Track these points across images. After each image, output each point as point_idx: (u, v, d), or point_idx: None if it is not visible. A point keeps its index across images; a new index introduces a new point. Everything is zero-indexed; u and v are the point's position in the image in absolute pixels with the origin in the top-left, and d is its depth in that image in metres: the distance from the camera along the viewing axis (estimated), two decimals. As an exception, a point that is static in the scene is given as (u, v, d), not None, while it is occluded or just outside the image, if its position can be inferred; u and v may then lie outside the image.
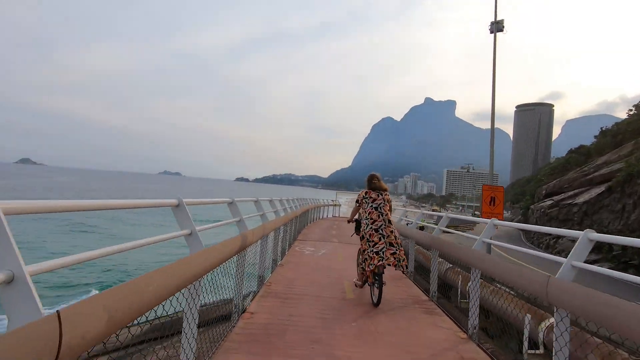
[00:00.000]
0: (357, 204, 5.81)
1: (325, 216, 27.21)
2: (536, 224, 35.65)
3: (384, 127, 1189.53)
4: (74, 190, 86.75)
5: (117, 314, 1.68)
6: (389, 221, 5.53)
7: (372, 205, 5.56)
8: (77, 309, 1.46)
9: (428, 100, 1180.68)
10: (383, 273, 5.29)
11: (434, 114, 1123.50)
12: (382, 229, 5.42)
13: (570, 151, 64.39)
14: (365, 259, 5.40)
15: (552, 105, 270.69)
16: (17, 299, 1.31)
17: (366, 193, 5.69)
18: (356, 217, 6.03)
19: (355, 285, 6.09)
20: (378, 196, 5.62)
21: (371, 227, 5.43)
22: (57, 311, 1.35)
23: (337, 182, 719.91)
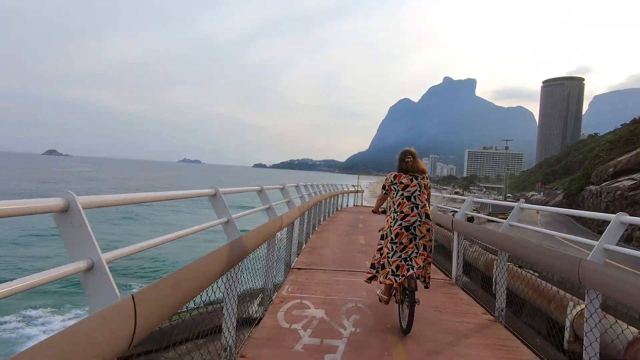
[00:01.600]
0: (384, 191, 4.33)
1: (345, 205, 22.89)
2: (606, 209, 29.68)
3: (402, 108, 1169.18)
4: (103, 180, 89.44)
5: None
6: (427, 215, 4.06)
7: (402, 194, 4.07)
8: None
9: (447, 80, 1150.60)
10: (416, 289, 3.80)
11: (453, 93, 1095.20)
12: (415, 228, 4.00)
13: (635, 121, 56.59)
14: (383, 265, 4.08)
15: (583, 79, 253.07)
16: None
17: (395, 177, 4.16)
18: (383, 206, 4.89)
19: (380, 300, 4.46)
20: (411, 181, 4.09)
21: (400, 224, 4.00)
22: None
23: (355, 165, 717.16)
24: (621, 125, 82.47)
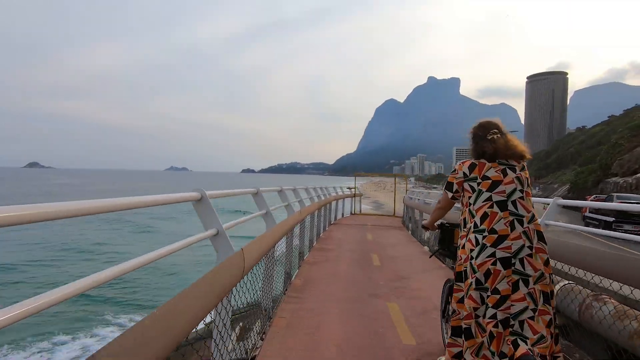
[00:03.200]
0: (450, 193, 2.49)
1: (340, 216, 16.93)
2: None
3: (388, 109, 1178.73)
4: (88, 192, 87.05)
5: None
6: (540, 236, 2.25)
7: (490, 198, 2.29)
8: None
9: (431, 80, 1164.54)
10: None
11: (438, 93, 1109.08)
12: (522, 261, 2.18)
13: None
14: (469, 331, 2.24)
15: (566, 74, 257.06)
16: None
17: (472, 168, 2.39)
18: (440, 220, 2.92)
19: None
20: (505, 174, 2.32)
21: (492, 254, 2.18)
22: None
23: (344, 168, 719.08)
24: (609, 116, 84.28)
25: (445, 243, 3.04)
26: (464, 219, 2.42)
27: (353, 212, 19.94)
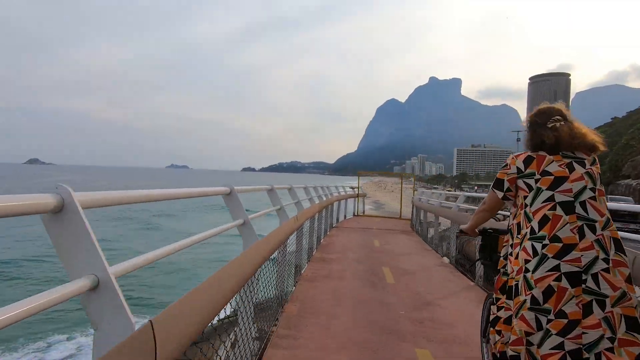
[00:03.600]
0: (501, 192, 2.07)
1: (343, 217, 15.93)
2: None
3: (389, 109, 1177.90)
4: (92, 188, 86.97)
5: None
6: (618, 245, 1.80)
7: (552, 198, 1.85)
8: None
9: (433, 80, 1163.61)
10: None
11: (440, 93, 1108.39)
12: (596, 277, 1.72)
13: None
14: (511, 356, 1.81)
15: (569, 75, 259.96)
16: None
17: (528, 161, 1.97)
18: (483, 224, 2.44)
19: None
20: (570, 169, 1.89)
21: (555, 267, 1.74)
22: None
23: (344, 167, 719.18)
24: (612, 118, 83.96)
25: (487, 252, 2.61)
26: (518, 223, 1.96)
27: (356, 214, 18.66)
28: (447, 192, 20.34)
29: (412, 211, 15.05)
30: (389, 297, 5.11)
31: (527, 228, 1.88)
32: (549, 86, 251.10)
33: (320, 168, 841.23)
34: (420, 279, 6.33)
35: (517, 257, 1.90)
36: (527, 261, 1.81)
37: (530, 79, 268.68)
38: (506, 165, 2.06)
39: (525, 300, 1.78)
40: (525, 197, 1.94)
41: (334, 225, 13.09)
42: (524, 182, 1.95)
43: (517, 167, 1.99)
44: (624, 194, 26.89)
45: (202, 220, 33.55)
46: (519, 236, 1.94)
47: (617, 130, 64.35)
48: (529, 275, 1.78)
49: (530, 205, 1.90)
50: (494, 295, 2.10)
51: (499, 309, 2.01)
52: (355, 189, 18.74)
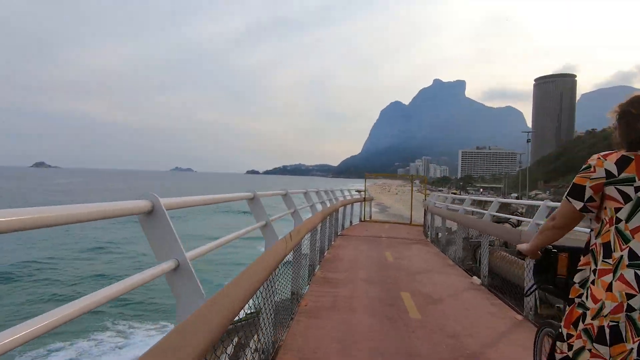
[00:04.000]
0: (580, 202, 1.59)
1: (348, 224, 14.94)
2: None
3: (393, 111, 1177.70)
4: (96, 191, 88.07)
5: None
6: None
7: None
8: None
9: (437, 82, 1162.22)
10: None
11: (444, 95, 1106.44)
12: None
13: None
14: None
15: (575, 76, 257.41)
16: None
17: (622, 163, 1.51)
18: (550, 242, 1.88)
19: None
20: None
21: None
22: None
23: (348, 169, 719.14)
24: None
25: (547, 274, 2.06)
26: (604, 243, 1.53)
27: (363, 219, 17.66)
28: (471, 196, 17.66)
29: (425, 217, 14.01)
30: (417, 344, 3.78)
31: (622, 250, 1.46)
32: (554, 87, 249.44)
33: (324, 170, 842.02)
34: (453, 311, 4.93)
35: (609, 289, 1.46)
36: (630, 296, 1.40)
37: (535, 80, 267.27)
38: (588, 167, 1.58)
39: (632, 349, 1.37)
40: (618, 210, 1.50)
41: (339, 234, 11.99)
42: (618, 189, 1.50)
43: (607, 170, 1.53)
44: None
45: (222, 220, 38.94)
46: (610, 261, 1.49)
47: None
48: (636, 315, 1.38)
49: (628, 221, 1.47)
50: (564, 331, 1.60)
51: (570, 347, 1.54)
52: (362, 193, 18.27)
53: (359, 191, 18.02)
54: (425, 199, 15.17)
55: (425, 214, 13.99)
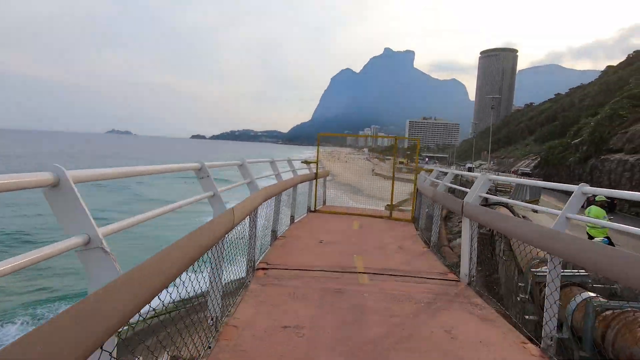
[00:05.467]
0: None
1: (289, 221, 8.48)
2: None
3: (344, 79, 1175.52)
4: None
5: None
6: None
7: None
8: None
9: (387, 51, 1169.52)
10: None
11: (393, 65, 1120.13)
12: None
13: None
14: None
15: (517, 51, 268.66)
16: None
17: None
18: None
19: None
20: None
21: None
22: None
23: (298, 137, 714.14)
24: (555, 94, 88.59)
25: None
26: None
27: (314, 208, 10.71)
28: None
29: (417, 206, 9.69)
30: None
31: None
32: (498, 61, 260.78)
33: (273, 137, 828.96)
34: None
35: None
36: None
37: (481, 53, 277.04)
38: None
39: None
40: None
41: (277, 236, 6.89)
42: None
43: None
44: (616, 171, 24.58)
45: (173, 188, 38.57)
46: None
47: (562, 105, 68.12)
48: None
49: None
50: None
51: None
52: (311, 165, 10.93)
53: (307, 162, 10.94)
54: (421, 176, 10.32)
55: (416, 200, 9.87)
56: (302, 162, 10.82)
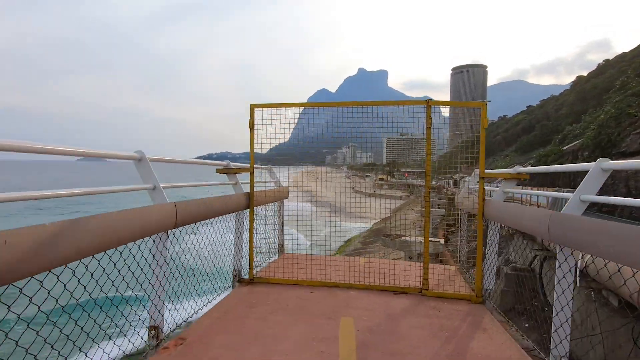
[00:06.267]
0: None
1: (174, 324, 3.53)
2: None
3: (320, 99, 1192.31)
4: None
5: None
6: None
7: None
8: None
9: (361, 71, 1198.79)
10: None
11: (368, 83, 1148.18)
12: None
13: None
14: None
15: (486, 67, 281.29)
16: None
17: None
18: None
19: None
20: None
21: None
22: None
23: (277, 157, 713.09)
24: (527, 106, 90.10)
25: None
26: None
27: (250, 277, 4.90)
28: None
29: (487, 254, 4.46)
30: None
31: None
32: (469, 77, 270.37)
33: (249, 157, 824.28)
34: None
35: None
36: None
37: (452, 69, 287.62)
38: None
39: None
40: None
41: None
42: None
43: None
44: (636, 177, 19.05)
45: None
46: None
47: (536, 116, 69.08)
48: None
49: None
50: None
51: None
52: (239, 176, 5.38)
53: (229, 171, 5.10)
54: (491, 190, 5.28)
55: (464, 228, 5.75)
56: (219, 170, 4.94)
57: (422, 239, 4.77)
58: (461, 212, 5.57)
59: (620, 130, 26.80)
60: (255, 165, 5.43)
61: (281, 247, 6.39)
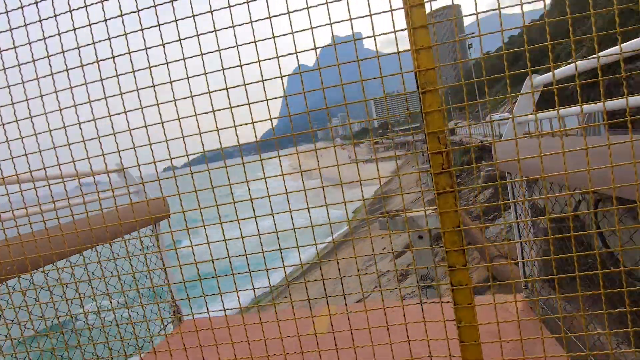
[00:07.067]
0: None
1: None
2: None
3: (298, 76, 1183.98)
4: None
5: None
6: None
7: None
8: None
9: (335, 38, 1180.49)
10: None
11: (344, 50, 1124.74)
12: None
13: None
14: None
15: (460, 6, 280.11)
16: None
17: None
18: None
19: None
20: None
21: None
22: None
23: (269, 143, 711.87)
24: (510, 37, 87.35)
25: None
26: None
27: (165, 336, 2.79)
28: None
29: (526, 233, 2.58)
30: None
31: None
32: (446, 21, 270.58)
33: (245, 150, 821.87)
34: None
35: None
36: None
37: (428, 15, 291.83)
38: None
39: None
40: None
41: None
42: None
43: None
44: None
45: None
46: None
47: (520, 45, 67.38)
48: None
49: None
50: None
51: None
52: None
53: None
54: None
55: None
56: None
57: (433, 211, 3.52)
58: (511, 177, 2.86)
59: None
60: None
61: (176, 312, 3.37)
